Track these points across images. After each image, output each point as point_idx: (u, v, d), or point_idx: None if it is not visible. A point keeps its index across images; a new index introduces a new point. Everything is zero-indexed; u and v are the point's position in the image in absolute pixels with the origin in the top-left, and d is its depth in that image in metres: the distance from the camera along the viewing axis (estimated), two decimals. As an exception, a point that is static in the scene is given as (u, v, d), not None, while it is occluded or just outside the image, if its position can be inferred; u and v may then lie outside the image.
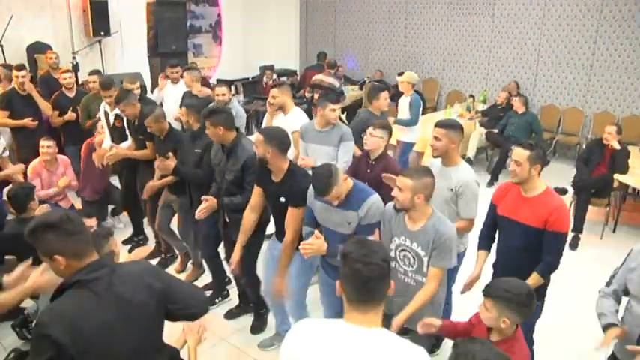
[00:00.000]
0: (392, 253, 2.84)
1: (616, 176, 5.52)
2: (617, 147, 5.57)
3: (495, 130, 7.63)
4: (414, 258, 2.77)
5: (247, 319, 4.08)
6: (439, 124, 3.31)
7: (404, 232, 2.77)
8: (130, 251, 5.24)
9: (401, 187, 2.64)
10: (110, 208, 5.89)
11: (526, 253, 2.91)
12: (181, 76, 6.11)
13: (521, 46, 8.82)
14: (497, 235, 3.17)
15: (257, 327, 4.01)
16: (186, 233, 4.59)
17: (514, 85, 8.68)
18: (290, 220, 3.20)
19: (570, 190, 5.80)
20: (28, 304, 3.52)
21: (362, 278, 1.58)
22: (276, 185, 3.28)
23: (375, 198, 2.91)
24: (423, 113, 6.56)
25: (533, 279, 2.85)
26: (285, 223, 3.25)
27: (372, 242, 1.74)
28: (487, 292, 2.25)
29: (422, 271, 2.76)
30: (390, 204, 2.84)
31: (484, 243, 3.22)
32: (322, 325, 1.70)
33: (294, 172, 3.25)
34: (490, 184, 7.15)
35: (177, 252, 4.97)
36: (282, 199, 3.23)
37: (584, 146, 7.09)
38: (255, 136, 3.30)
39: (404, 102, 6.39)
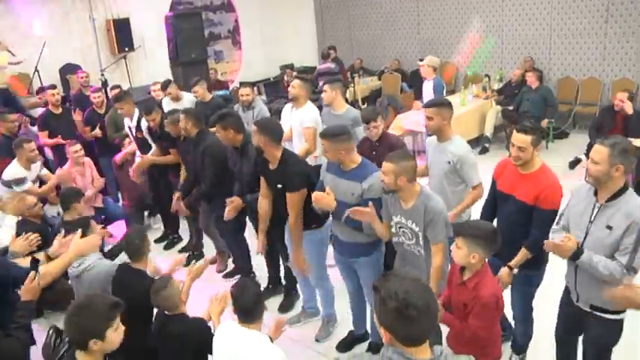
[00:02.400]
0: (393, 230, 3.07)
1: (633, 141, 5.51)
2: (630, 111, 5.60)
3: (511, 107, 7.69)
4: (411, 233, 2.96)
5: (276, 301, 4.38)
6: (428, 105, 3.49)
7: (400, 211, 2.97)
8: (165, 248, 5.67)
9: (384, 171, 2.82)
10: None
11: (523, 228, 2.96)
12: (193, 90, 5.94)
13: (532, 22, 8.83)
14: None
15: (285, 306, 4.32)
16: (206, 227, 4.94)
17: (530, 61, 8.68)
18: (290, 205, 3.43)
19: (584, 159, 5.84)
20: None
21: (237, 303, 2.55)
22: (273, 172, 3.53)
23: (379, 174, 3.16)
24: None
25: (521, 254, 2.94)
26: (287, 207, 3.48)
27: None
28: (458, 232, 2.51)
29: (419, 243, 2.95)
30: None
31: (486, 216, 3.27)
32: (228, 326, 2.57)
33: (287, 159, 3.48)
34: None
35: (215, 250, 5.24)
36: (280, 186, 3.47)
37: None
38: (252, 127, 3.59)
39: (427, 87, 6.30)
